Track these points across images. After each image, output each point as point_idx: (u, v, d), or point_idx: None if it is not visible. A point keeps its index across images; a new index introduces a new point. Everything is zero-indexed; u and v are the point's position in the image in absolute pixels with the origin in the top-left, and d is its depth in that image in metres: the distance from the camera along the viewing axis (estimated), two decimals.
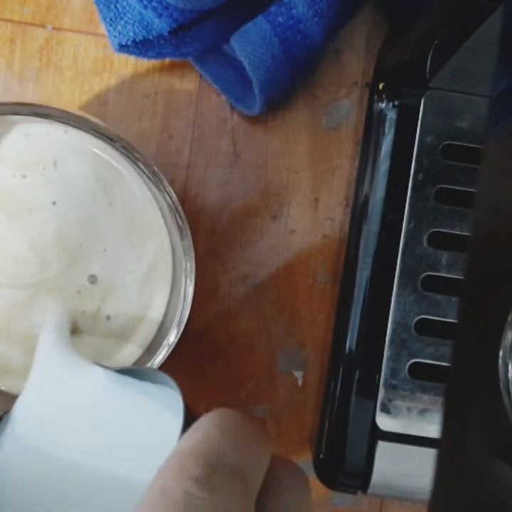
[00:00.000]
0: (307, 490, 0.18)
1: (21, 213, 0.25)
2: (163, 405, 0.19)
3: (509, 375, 0.22)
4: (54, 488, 0.17)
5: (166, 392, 0.19)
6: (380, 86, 0.29)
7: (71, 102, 0.30)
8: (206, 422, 0.16)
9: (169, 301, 0.27)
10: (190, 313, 0.25)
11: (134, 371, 0.21)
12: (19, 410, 0.19)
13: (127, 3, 0.27)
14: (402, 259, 0.27)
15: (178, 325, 0.25)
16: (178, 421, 0.17)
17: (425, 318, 0.27)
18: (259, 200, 0.31)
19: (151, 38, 0.27)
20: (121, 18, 0.27)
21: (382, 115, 0.28)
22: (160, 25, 0.27)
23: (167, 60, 0.30)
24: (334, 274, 0.31)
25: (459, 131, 0.27)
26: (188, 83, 0.30)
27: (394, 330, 0.27)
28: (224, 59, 0.30)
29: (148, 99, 0.30)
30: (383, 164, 0.28)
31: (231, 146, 0.31)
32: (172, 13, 0.26)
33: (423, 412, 0.27)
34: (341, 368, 0.28)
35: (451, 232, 0.27)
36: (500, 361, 0.21)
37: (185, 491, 0.14)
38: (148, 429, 0.17)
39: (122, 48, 0.28)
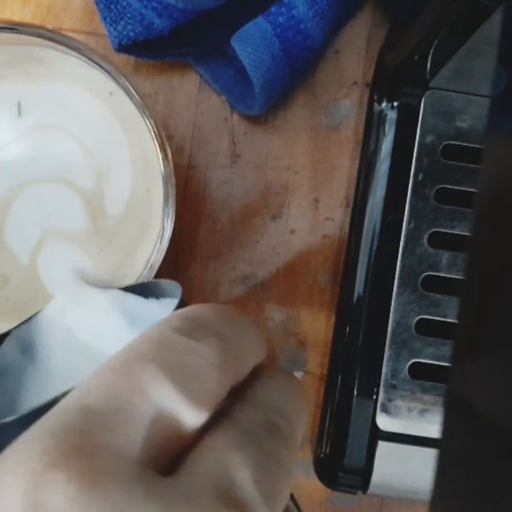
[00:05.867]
0: (300, 390, 0.16)
1: None
2: None
3: None
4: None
5: (170, 306, 0.20)
6: (380, 86, 0.29)
7: None
8: (198, 305, 0.16)
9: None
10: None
11: (144, 286, 0.23)
12: (43, 320, 0.24)
13: (127, 3, 0.27)
14: (402, 259, 0.27)
15: (150, 270, 0.23)
16: None
17: (425, 318, 0.27)
18: (259, 200, 0.31)
19: (151, 37, 0.27)
20: (121, 18, 0.27)
21: (382, 115, 0.28)
22: (160, 25, 0.27)
23: (167, 60, 0.30)
24: (334, 274, 0.31)
25: (459, 131, 0.27)
26: (188, 83, 0.30)
27: (394, 330, 0.27)
28: (224, 59, 0.30)
29: (148, 99, 0.30)
30: (383, 164, 0.28)
31: (231, 146, 0.31)
32: (172, 13, 0.26)
33: (423, 412, 0.27)
34: (341, 368, 0.28)
35: (451, 232, 0.27)
36: None
37: (162, 333, 0.14)
38: None
39: (122, 48, 0.28)
